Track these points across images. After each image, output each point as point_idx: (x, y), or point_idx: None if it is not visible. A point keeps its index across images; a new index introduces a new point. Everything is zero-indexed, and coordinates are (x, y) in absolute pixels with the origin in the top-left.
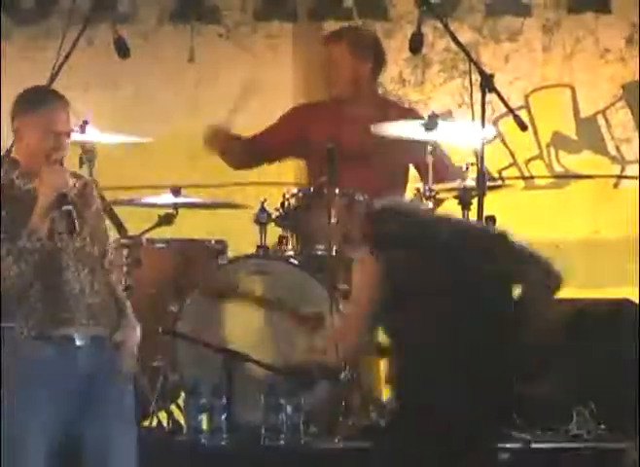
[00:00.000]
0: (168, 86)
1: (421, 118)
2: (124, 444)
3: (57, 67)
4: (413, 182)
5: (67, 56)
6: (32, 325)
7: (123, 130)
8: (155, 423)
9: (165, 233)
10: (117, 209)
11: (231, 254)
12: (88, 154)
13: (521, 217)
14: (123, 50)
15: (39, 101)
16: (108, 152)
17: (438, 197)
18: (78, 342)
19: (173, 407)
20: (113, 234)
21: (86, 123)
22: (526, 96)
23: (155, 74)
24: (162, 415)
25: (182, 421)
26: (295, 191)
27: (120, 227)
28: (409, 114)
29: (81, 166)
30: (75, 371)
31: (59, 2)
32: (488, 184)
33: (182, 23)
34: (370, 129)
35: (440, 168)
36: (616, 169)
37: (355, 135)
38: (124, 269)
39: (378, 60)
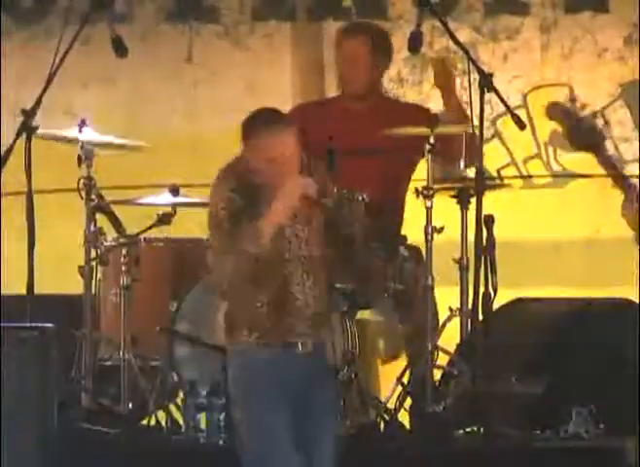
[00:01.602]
0: (166, 85)
1: (428, 112)
2: (326, 447)
3: (56, 66)
4: (413, 182)
5: (65, 55)
6: (256, 336)
7: (121, 130)
8: (153, 422)
9: (164, 232)
10: (116, 208)
11: None
12: (86, 153)
13: (520, 216)
14: (120, 49)
15: (259, 126)
16: (107, 151)
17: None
18: (299, 350)
19: (172, 406)
20: (111, 234)
21: (84, 122)
22: (525, 95)
23: (153, 73)
24: (161, 415)
25: (180, 420)
26: None
27: (118, 226)
28: (417, 111)
29: (79, 166)
30: (295, 376)
31: (58, 1)
32: (487, 183)
33: (180, 23)
34: (375, 126)
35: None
36: None
37: (356, 133)
38: (123, 267)
39: (390, 57)
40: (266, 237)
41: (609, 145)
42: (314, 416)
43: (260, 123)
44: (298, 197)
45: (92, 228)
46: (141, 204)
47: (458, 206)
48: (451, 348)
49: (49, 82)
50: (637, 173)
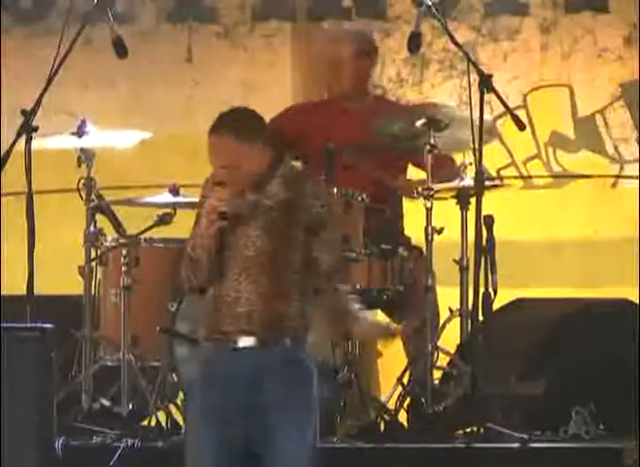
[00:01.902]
0: (166, 85)
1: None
2: (293, 452)
3: (56, 66)
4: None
5: (65, 56)
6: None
7: (120, 130)
8: (154, 423)
9: (163, 232)
10: (116, 208)
11: None
12: (86, 153)
13: (520, 217)
14: (121, 49)
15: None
16: (107, 151)
17: (436, 196)
18: (236, 348)
19: (172, 406)
20: (111, 234)
21: (83, 122)
22: (524, 96)
23: (152, 73)
24: (161, 415)
25: (180, 420)
26: None
27: (118, 226)
28: (407, 111)
29: (79, 166)
30: (237, 375)
31: (57, 2)
32: (486, 183)
33: (180, 23)
34: (368, 127)
35: (444, 164)
36: (614, 169)
37: (354, 133)
38: (123, 268)
39: (375, 58)
40: (193, 245)
41: (608, 145)
42: (268, 418)
43: (211, 129)
44: (213, 214)
45: (92, 228)
46: (141, 204)
47: (458, 207)
48: (451, 349)
49: (49, 82)
50: (637, 174)
